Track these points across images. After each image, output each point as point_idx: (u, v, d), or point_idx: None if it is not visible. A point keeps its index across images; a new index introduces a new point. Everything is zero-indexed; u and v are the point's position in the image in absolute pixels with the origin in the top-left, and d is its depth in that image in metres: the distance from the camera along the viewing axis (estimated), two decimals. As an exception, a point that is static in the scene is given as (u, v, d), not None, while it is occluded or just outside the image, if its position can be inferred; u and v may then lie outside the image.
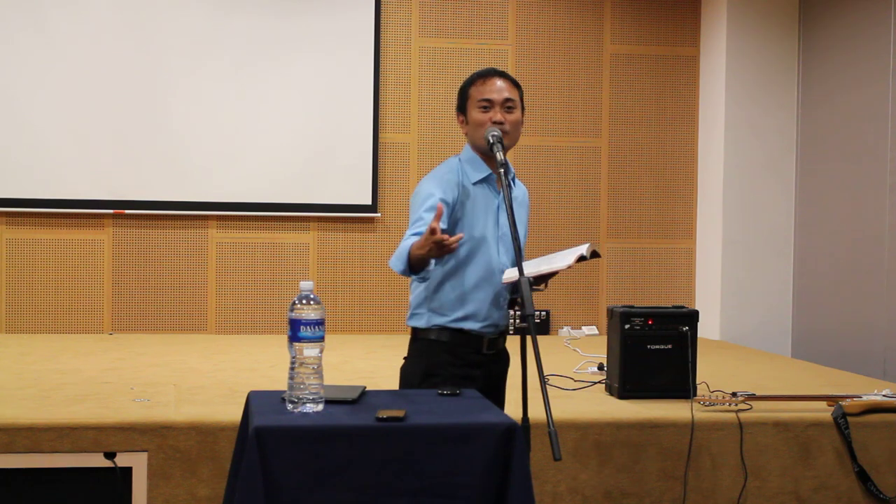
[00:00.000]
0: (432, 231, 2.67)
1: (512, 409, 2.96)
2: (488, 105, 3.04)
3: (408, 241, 2.85)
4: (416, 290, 3.12)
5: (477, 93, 3.07)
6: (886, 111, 5.95)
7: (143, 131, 6.60)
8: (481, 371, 3.07)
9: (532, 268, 2.90)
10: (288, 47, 6.74)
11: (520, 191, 3.24)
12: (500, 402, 3.11)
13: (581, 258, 2.87)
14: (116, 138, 6.57)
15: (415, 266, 2.83)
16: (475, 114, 3.06)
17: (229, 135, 6.68)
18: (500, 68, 3.19)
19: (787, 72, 6.94)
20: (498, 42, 7.03)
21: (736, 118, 6.92)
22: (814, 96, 6.77)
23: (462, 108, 3.13)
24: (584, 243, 2.96)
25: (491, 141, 2.97)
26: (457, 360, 3.03)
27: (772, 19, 6.93)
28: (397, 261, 2.87)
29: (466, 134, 3.12)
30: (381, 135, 6.87)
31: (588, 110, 7.15)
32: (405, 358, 3.15)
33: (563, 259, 2.88)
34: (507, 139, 3.02)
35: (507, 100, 3.05)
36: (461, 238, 2.77)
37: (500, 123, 3.02)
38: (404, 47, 6.94)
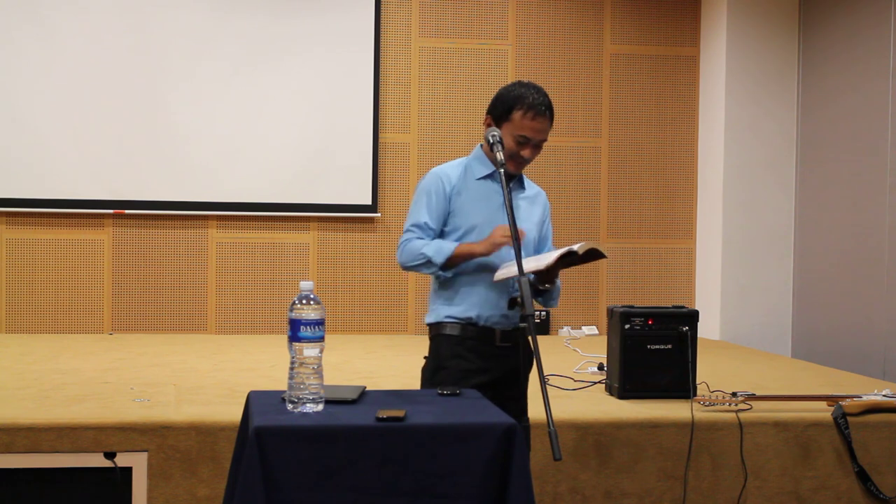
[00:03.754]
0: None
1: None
2: (524, 141, 3.05)
3: (447, 243, 3.01)
4: (431, 287, 3.19)
5: (520, 124, 3.03)
6: (886, 111, 5.95)
7: (143, 131, 6.60)
8: (496, 363, 3.07)
9: (504, 270, 2.99)
10: (288, 47, 6.74)
11: (532, 191, 3.26)
12: (522, 396, 3.10)
13: (570, 254, 2.90)
14: (116, 138, 6.57)
15: (449, 264, 3.00)
16: (508, 140, 3.04)
17: (229, 135, 6.68)
18: (547, 102, 3.08)
19: (787, 72, 6.94)
20: (498, 42, 7.03)
21: (736, 118, 6.92)
22: (814, 96, 6.77)
23: (496, 117, 3.08)
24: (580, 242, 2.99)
25: (491, 141, 3.00)
26: (469, 353, 3.04)
27: (772, 19, 6.93)
28: (438, 254, 2.99)
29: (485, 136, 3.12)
30: (381, 135, 6.87)
31: (588, 110, 7.15)
32: (425, 357, 3.17)
33: (547, 257, 2.94)
34: (524, 166, 3.11)
35: (543, 140, 3.08)
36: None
37: (525, 160, 3.08)
38: (404, 47, 6.94)
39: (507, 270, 2.95)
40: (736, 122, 6.91)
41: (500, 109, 3.07)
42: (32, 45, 6.48)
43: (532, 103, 3.04)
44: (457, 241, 3.07)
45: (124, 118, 6.58)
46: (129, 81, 6.58)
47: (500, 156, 2.96)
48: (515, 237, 2.83)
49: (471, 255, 2.99)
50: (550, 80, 7.08)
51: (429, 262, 3.01)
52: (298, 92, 6.75)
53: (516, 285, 2.83)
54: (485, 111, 3.13)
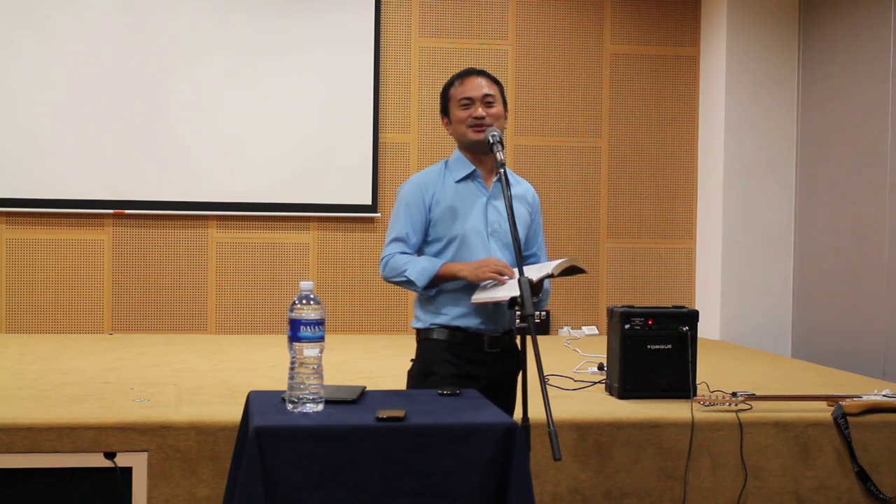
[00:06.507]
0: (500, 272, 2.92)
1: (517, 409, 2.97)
2: (468, 102, 3.10)
3: (433, 261, 3.04)
4: (416, 294, 3.17)
5: (457, 92, 3.14)
6: (886, 111, 5.95)
7: (143, 131, 6.60)
8: (485, 370, 3.06)
9: (481, 294, 2.98)
10: (288, 47, 6.74)
11: (522, 188, 3.25)
12: (510, 401, 3.10)
13: (547, 276, 2.90)
14: (116, 138, 6.57)
15: (432, 284, 3.03)
16: (457, 112, 3.13)
17: (229, 135, 6.68)
18: (475, 69, 3.23)
19: (787, 72, 6.94)
20: (498, 42, 7.03)
21: (736, 118, 6.92)
22: (814, 96, 6.77)
23: (445, 110, 3.20)
24: (562, 258, 2.99)
25: (491, 141, 3.01)
26: (456, 359, 3.04)
27: (772, 19, 6.93)
28: (421, 276, 3.02)
29: (452, 134, 3.19)
30: (381, 135, 6.87)
31: (588, 110, 7.15)
32: (412, 360, 3.16)
33: (510, 288, 2.87)
34: (485, 129, 3.09)
35: (486, 95, 3.11)
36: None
37: (482, 118, 3.08)
38: (404, 47, 6.94)
39: (486, 294, 2.95)
40: (736, 122, 6.91)
41: (443, 101, 3.19)
42: (33, 45, 6.48)
43: (458, 74, 3.18)
44: (437, 252, 3.09)
45: (124, 118, 6.58)
46: (129, 81, 6.58)
47: (500, 156, 2.96)
48: (515, 237, 2.82)
49: (454, 277, 3.02)
50: (550, 80, 7.08)
51: (411, 283, 3.05)
52: (298, 92, 6.75)
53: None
54: None
